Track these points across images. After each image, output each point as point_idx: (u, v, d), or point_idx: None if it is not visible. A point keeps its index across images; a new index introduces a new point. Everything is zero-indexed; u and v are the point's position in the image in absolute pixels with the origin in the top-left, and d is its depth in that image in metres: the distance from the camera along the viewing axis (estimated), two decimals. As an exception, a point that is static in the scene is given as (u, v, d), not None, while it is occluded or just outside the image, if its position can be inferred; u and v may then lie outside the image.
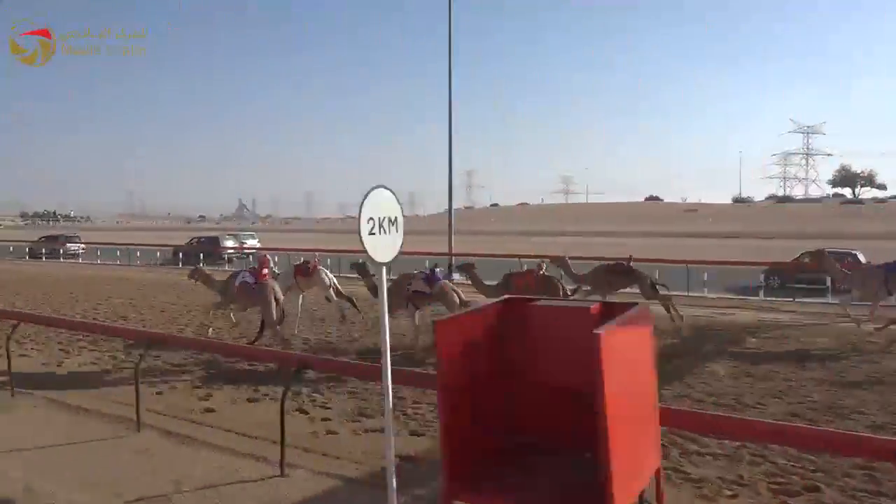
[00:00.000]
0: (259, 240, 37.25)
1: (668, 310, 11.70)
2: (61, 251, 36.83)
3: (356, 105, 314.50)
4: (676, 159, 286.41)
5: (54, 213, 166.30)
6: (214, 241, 33.94)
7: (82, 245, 37.97)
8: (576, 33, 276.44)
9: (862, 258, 20.66)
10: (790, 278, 19.87)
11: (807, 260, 19.91)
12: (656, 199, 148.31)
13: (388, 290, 10.25)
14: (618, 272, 12.31)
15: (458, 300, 9.83)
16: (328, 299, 12.48)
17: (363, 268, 11.07)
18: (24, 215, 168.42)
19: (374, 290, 10.50)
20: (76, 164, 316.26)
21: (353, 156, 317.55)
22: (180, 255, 31.90)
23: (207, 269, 11.00)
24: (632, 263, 12.60)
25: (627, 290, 12.65)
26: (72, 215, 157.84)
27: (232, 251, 32.72)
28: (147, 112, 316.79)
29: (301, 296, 12.44)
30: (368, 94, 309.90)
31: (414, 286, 9.96)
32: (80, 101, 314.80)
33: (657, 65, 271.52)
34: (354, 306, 12.22)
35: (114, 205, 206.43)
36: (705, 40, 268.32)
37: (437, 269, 10.19)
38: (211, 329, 11.27)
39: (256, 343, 9.31)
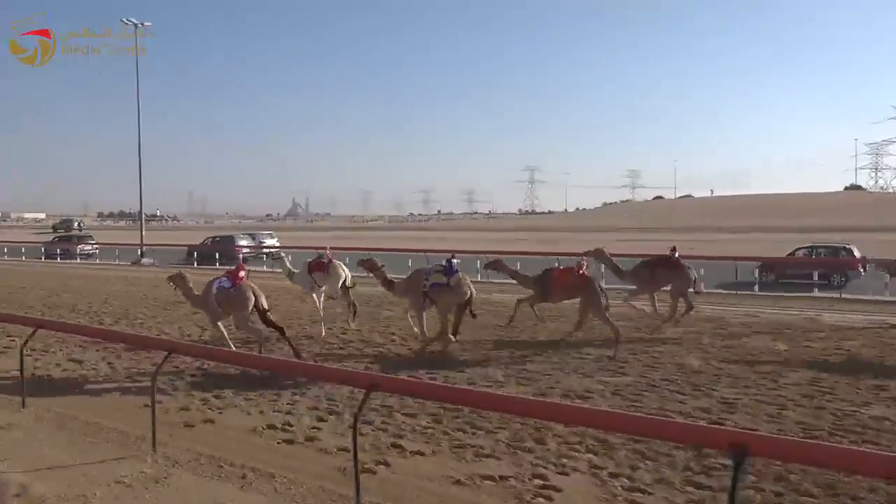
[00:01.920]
0: (277, 239, 36.83)
1: (686, 312, 11.22)
2: (79, 251, 36.92)
3: (413, 103, 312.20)
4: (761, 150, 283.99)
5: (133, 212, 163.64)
6: (230, 241, 33.78)
7: (96, 245, 38.04)
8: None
9: (857, 252, 20.17)
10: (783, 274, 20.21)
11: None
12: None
13: (404, 285, 9.15)
14: (663, 267, 11.50)
15: (469, 294, 9.50)
16: (332, 297, 11.98)
17: (372, 263, 10.52)
18: (100, 215, 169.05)
19: (387, 283, 10.33)
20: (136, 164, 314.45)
21: (410, 154, 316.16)
22: (194, 254, 31.69)
23: (191, 280, 9.70)
24: (677, 255, 11.81)
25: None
26: (157, 214, 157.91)
27: (247, 251, 32.05)
28: (202, 112, 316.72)
29: (321, 292, 11.87)
30: (424, 90, 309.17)
31: (432, 279, 9.55)
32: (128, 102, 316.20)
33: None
34: (353, 312, 11.67)
35: (176, 205, 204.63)
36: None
37: (454, 261, 9.79)
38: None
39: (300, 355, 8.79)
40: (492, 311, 12.99)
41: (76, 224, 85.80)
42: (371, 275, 10.67)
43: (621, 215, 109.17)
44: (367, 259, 10.74)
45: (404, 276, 10.70)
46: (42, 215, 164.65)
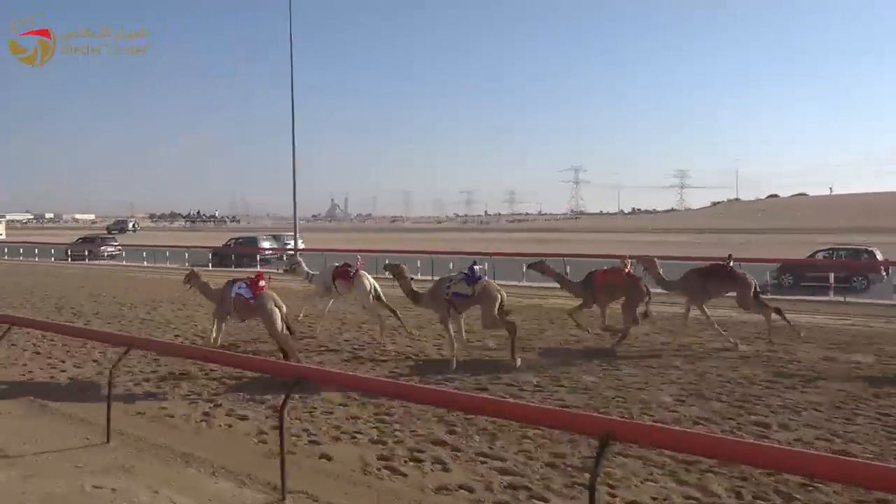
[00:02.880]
0: (304, 241, 36.73)
1: (781, 317, 10.33)
2: (105, 252, 37.35)
3: (455, 104, 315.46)
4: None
5: (199, 212, 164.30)
6: (252, 242, 33.48)
7: (119, 246, 38.58)
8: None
9: (879, 256, 19.38)
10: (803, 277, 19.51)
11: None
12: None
13: (428, 295, 9.69)
14: (716, 276, 10.61)
15: (500, 301, 9.04)
16: (365, 308, 11.22)
17: (398, 269, 10.12)
18: (152, 216, 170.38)
19: (412, 294, 9.92)
20: (182, 166, 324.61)
21: (450, 154, 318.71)
22: (210, 255, 31.49)
23: (205, 276, 9.83)
24: (732, 264, 10.89)
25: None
26: (217, 216, 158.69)
27: (270, 252, 31.76)
28: (242, 113, 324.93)
29: (332, 300, 11.69)
30: (467, 90, 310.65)
31: (454, 289, 9.20)
32: (182, 106, 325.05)
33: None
34: (397, 317, 10.97)
35: (219, 205, 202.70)
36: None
37: (477, 268, 9.29)
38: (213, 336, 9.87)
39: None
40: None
41: (130, 225, 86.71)
42: (396, 282, 10.16)
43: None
44: (394, 265, 10.29)
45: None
46: (92, 216, 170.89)
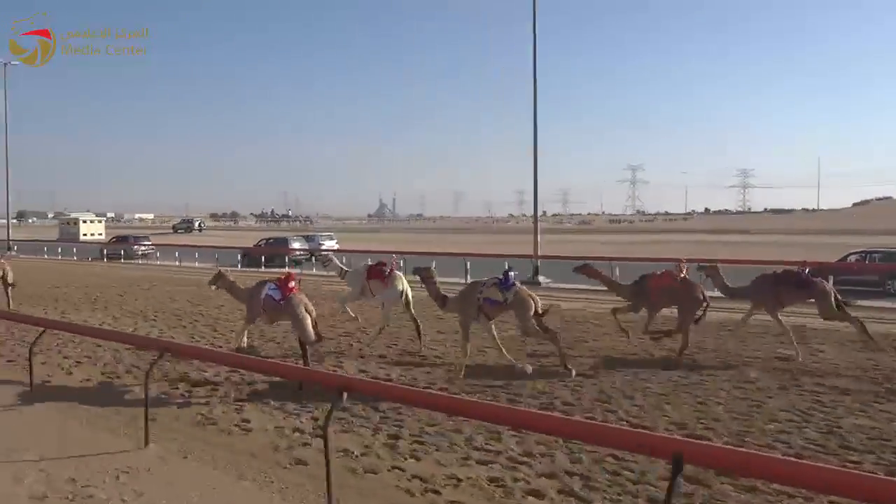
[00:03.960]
0: (337, 241, 36.45)
1: (861, 331, 9.63)
2: (139, 252, 37.62)
3: (505, 102, 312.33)
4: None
5: (272, 212, 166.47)
6: (283, 243, 33.41)
7: (151, 245, 38.90)
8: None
9: None
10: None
11: None
12: None
13: (458, 299, 9.37)
14: (790, 283, 10.00)
15: (533, 309, 8.69)
16: (383, 306, 10.93)
17: (427, 273, 9.87)
18: (213, 215, 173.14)
19: (439, 298, 9.68)
20: (236, 168, 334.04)
21: (500, 154, 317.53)
22: (238, 256, 31.37)
23: (232, 276, 9.67)
24: (808, 271, 10.24)
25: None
26: (290, 215, 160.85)
27: (300, 253, 31.62)
28: (289, 116, 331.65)
29: (368, 300, 11.34)
30: (514, 90, 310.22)
31: (486, 294, 8.89)
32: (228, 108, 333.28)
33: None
34: (417, 329, 10.50)
35: (272, 205, 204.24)
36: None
37: (511, 273, 8.99)
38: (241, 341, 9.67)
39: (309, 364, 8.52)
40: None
41: (197, 224, 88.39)
42: (423, 285, 9.94)
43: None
44: (424, 268, 10.07)
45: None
46: (151, 216, 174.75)
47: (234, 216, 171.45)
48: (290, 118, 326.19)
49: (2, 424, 6.88)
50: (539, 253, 22.52)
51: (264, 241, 34.73)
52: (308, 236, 37.54)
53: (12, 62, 37.12)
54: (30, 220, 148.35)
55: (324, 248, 31.34)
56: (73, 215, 71.81)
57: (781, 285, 10.00)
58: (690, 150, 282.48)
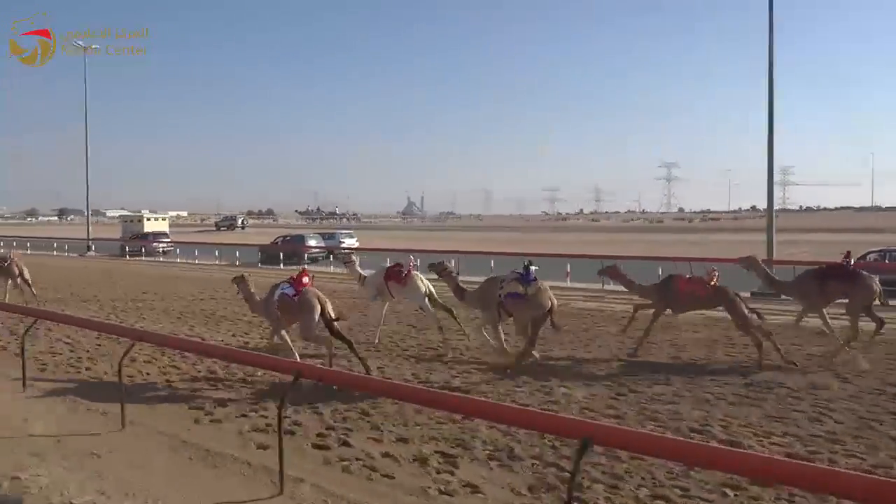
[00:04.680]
0: (357, 239, 36.30)
1: (876, 331, 9.41)
2: (159, 248, 37.95)
3: (539, 101, 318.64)
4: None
5: (318, 209, 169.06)
6: (300, 241, 33.40)
7: (170, 242, 39.11)
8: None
9: None
10: None
11: None
12: None
13: (476, 293, 9.52)
14: (835, 277, 9.57)
15: (550, 305, 8.77)
16: (422, 309, 10.90)
17: (444, 268, 9.96)
18: (250, 213, 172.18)
19: (459, 291, 9.81)
20: (267, 167, 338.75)
21: (531, 153, 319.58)
22: (258, 253, 31.38)
23: (252, 284, 9.33)
24: (852, 263, 9.82)
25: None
26: (337, 212, 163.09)
27: (317, 251, 31.67)
28: (322, 111, 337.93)
29: (387, 304, 11.28)
30: (555, 88, 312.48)
31: (507, 289, 8.89)
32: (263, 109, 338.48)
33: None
34: (454, 317, 10.66)
35: (301, 204, 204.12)
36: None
37: (533, 268, 8.98)
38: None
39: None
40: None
41: (239, 221, 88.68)
42: (441, 279, 10.06)
43: None
44: (438, 263, 10.20)
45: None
46: (185, 213, 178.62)
47: (270, 213, 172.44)
48: (317, 117, 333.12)
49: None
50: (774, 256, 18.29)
51: (281, 238, 35.02)
52: (327, 234, 37.73)
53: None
54: (69, 218, 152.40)
55: (344, 246, 31.54)
56: (138, 213, 72.23)
57: (827, 279, 9.60)
58: (728, 147, 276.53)
